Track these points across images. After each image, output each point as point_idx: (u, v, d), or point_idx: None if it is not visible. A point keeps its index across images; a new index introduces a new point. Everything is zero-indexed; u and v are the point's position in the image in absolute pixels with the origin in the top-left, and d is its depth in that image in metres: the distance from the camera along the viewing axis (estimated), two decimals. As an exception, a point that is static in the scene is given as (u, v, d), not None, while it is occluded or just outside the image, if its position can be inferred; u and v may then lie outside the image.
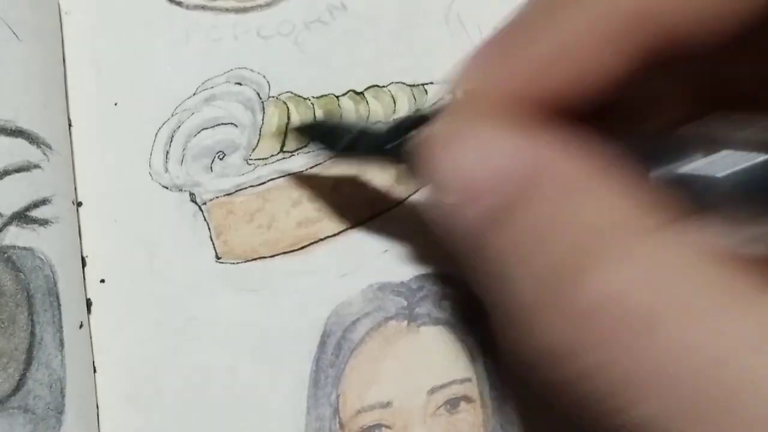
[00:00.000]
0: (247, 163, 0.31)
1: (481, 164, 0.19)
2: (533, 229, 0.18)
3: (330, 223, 0.31)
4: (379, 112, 0.32)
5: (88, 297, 0.30)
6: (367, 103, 0.32)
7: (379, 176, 0.31)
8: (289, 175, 0.31)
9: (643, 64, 0.18)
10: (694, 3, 0.17)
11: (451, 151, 0.19)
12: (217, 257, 0.31)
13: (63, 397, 0.27)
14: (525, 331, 0.18)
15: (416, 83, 0.32)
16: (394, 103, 0.32)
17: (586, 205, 0.18)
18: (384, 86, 0.32)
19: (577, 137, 0.19)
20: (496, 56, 0.19)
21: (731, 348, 0.16)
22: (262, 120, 0.32)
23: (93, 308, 0.30)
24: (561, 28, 0.18)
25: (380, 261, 0.31)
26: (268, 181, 0.31)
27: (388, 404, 0.30)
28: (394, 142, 0.25)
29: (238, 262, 0.31)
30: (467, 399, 0.30)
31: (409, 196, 0.31)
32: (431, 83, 0.32)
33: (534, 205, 0.18)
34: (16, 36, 0.27)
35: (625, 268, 0.17)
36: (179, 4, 0.33)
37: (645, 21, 0.17)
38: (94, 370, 0.29)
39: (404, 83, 0.32)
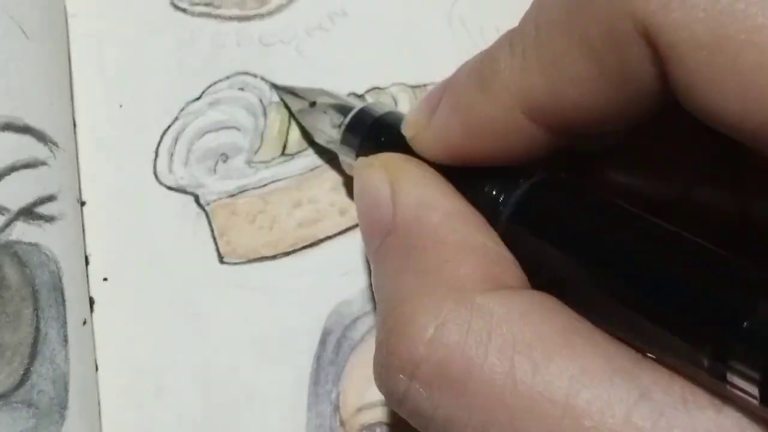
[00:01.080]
0: (250, 165, 0.32)
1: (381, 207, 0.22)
2: (383, 276, 0.22)
3: (330, 224, 0.31)
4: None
5: (90, 295, 0.30)
6: (368, 106, 0.32)
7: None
8: (290, 177, 0.32)
9: (552, 138, 0.20)
10: (579, 105, 0.19)
11: (370, 188, 0.23)
12: (220, 257, 0.31)
13: (66, 392, 0.27)
14: (373, 368, 0.21)
15: (418, 84, 0.33)
16: (396, 104, 0.32)
17: (423, 263, 0.20)
18: (385, 88, 0.33)
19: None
20: (431, 114, 0.23)
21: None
22: (265, 124, 0.32)
23: (96, 306, 0.30)
24: (484, 104, 0.21)
25: (381, 260, 0.31)
26: (270, 183, 0.32)
27: (388, 403, 0.30)
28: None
29: (241, 262, 0.31)
30: (467, 397, 0.30)
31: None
32: (433, 84, 0.33)
33: (385, 257, 0.22)
34: (26, 35, 0.27)
35: (444, 332, 0.19)
36: (184, 10, 0.33)
37: (543, 112, 0.20)
38: (96, 368, 0.29)
39: (406, 84, 0.33)
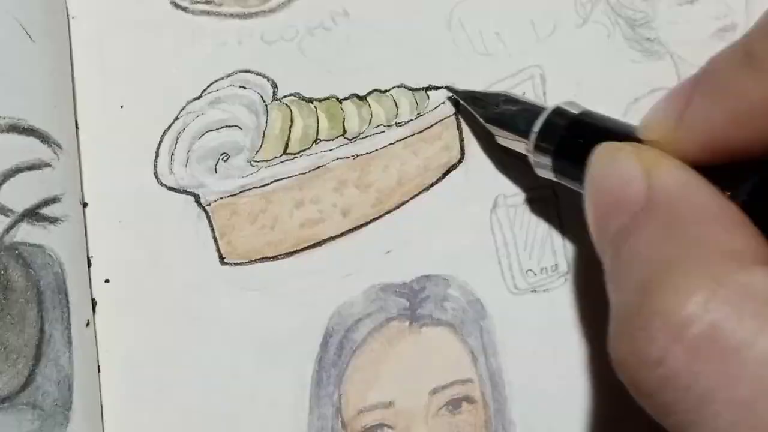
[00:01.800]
0: (251, 164, 0.32)
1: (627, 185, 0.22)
2: (636, 247, 0.21)
3: (332, 224, 0.32)
4: (381, 116, 0.32)
5: (93, 297, 0.30)
6: (370, 107, 0.32)
7: (383, 176, 0.32)
8: (292, 176, 0.32)
9: None
10: None
11: (616, 170, 0.22)
12: (221, 258, 0.31)
13: (71, 394, 0.27)
14: (615, 337, 0.20)
15: (418, 87, 0.33)
16: (396, 107, 0.32)
17: (693, 232, 0.20)
18: (386, 90, 0.33)
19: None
20: (679, 112, 0.22)
21: None
22: (266, 123, 0.32)
23: (98, 308, 0.30)
24: (758, 84, 0.20)
25: (382, 262, 0.31)
26: (272, 182, 0.32)
27: (390, 404, 0.30)
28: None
29: (242, 263, 0.31)
30: (469, 400, 0.31)
31: (411, 197, 0.32)
32: (433, 87, 0.33)
33: (638, 229, 0.21)
34: (30, 37, 0.27)
35: (720, 295, 0.18)
36: (184, 9, 0.33)
37: None
38: (99, 370, 0.29)
39: (406, 87, 0.33)
